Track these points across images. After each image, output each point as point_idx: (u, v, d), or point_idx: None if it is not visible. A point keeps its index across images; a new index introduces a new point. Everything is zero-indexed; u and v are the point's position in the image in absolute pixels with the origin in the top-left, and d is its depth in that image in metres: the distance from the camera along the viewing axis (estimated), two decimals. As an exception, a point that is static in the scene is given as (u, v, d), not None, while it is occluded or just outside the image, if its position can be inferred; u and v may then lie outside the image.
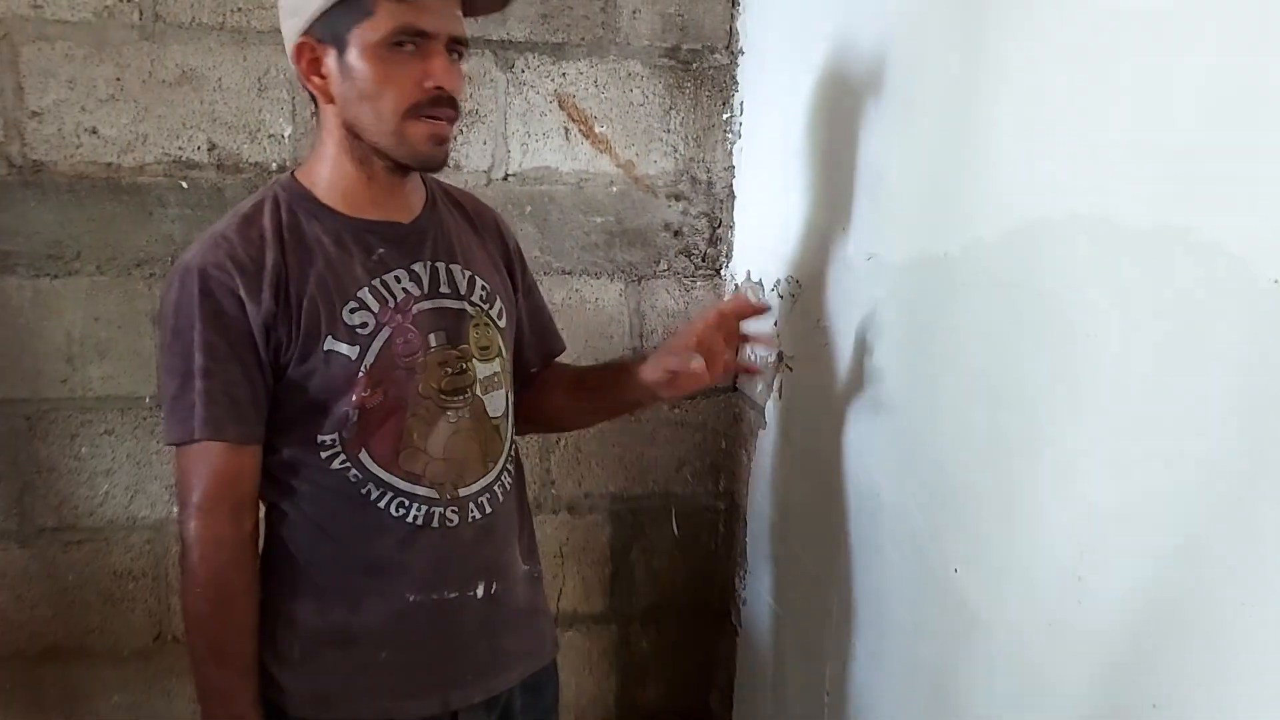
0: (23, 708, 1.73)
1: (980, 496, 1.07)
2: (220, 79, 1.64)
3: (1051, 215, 0.94)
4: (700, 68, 1.80)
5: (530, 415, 1.30)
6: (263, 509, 1.12)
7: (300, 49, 1.03)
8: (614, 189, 1.80)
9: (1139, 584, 0.83)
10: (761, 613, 1.77)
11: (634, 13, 1.75)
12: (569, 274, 1.80)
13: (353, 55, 1.00)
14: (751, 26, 1.76)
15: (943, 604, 1.15)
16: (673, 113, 1.80)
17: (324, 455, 1.05)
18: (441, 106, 1.02)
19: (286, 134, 1.67)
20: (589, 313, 1.83)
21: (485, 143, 1.74)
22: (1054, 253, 0.93)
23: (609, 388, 1.28)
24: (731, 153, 1.83)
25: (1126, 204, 0.83)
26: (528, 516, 1.24)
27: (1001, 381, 1.02)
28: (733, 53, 1.80)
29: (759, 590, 1.79)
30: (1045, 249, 0.95)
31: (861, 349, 1.35)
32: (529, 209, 1.77)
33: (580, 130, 1.77)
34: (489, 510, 1.12)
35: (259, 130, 1.66)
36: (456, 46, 1.04)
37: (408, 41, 0.99)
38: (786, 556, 1.65)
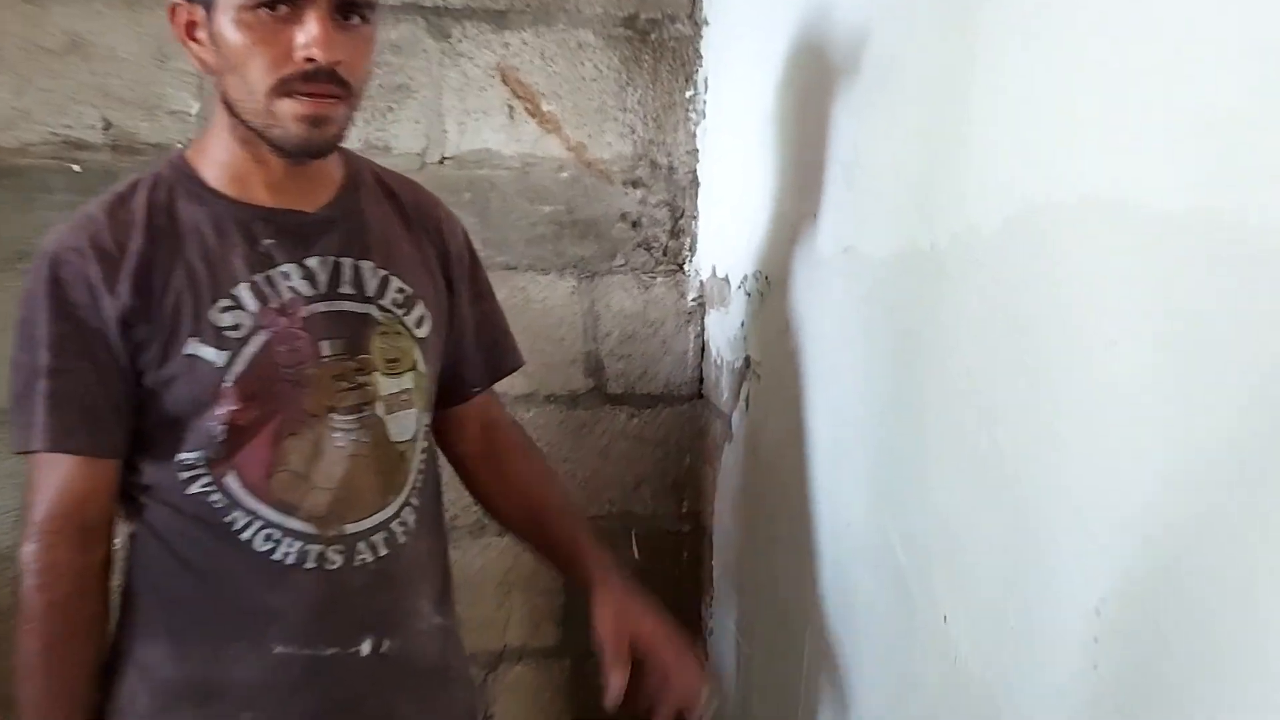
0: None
1: (975, 532, 0.89)
2: (114, 47, 1.46)
3: (1061, 199, 0.77)
4: (660, 39, 1.63)
5: (468, 468, 1.17)
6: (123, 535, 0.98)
7: (174, 10, 0.91)
8: (563, 174, 1.63)
9: (1169, 646, 0.65)
10: (729, 644, 1.60)
11: (585, -24, 1.58)
12: (513, 269, 1.63)
13: (220, 18, 0.87)
14: (716, -6, 1.59)
15: (930, 656, 0.98)
16: (629, 89, 1.63)
17: (185, 476, 0.92)
18: (319, 82, 0.86)
19: (192, 111, 1.50)
20: (535, 314, 1.65)
21: (417, 122, 1.56)
22: (1065, 242, 0.77)
23: (571, 561, 1.14)
24: (695, 134, 1.68)
25: (1155, 184, 0.66)
26: (442, 558, 1.09)
27: (1001, 394, 0.85)
28: (696, 23, 1.64)
29: (726, 621, 1.61)
30: (1053, 238, 0.78)
31: (836, 354, 1.18)
32: (467, 196, 1.60)
33: (525, 108, 1.60)
34: (384, 552, 0.97)
35: (159, 106, 1.49)
36: (354, 9, 0.88)
37: (276, 3, 0.85)
38: (755, 587, 1.48)
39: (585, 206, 1.65)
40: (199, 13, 0.88)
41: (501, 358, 1.16)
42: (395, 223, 1.03)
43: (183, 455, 0.92)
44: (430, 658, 1.03)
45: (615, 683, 1.04)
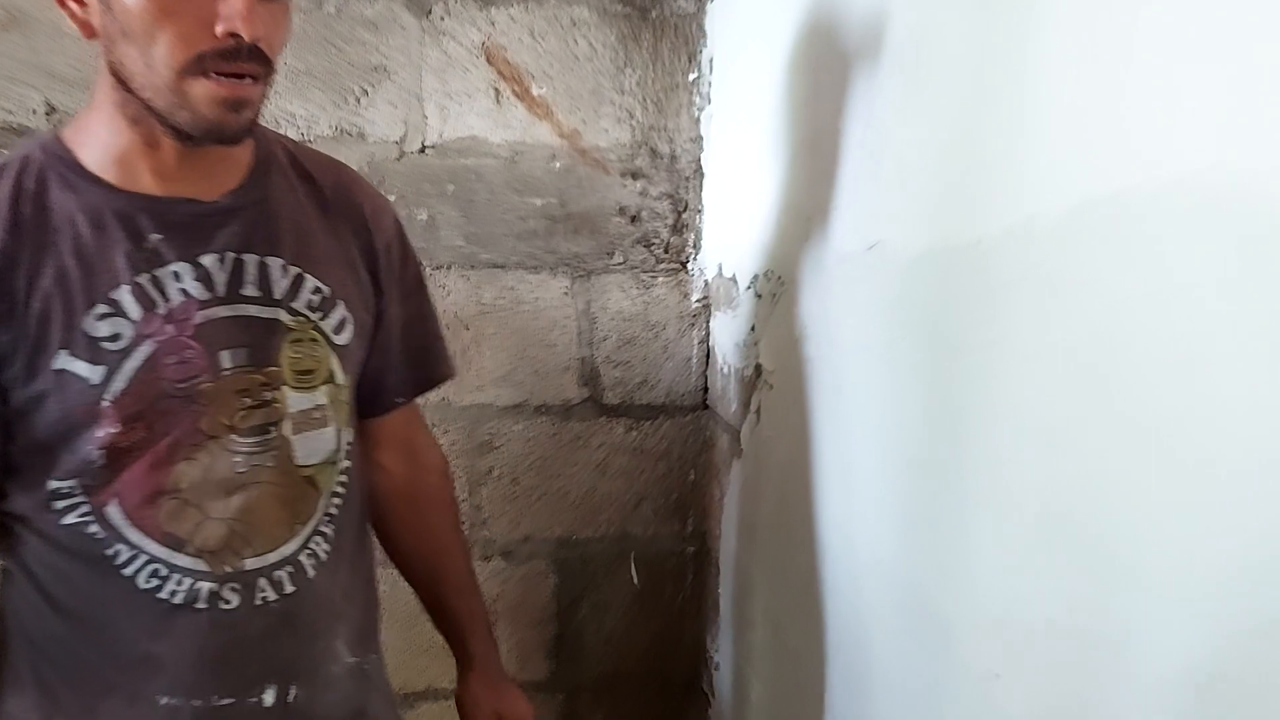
0: None
1: (1033, 579, 0.75)
2: (58, 23, 1.31)
3: (1145, 183, 0.62)
4: (661, 15, 1.49)
5: (379, 503, 1.04)
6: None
7: None
8: (556, 164, 1.49)
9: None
10: (739, 681, 1.45)
11: (579, -54, 1.43)
12: (501, 268, 1.49)
13: None
14: (723, -35, 1.45)
15: (978, 716, 0.83)
16: (627, 70, 1.49)
17: (59, 506, 0.81)
18: (239, 60, 0.75)
19: (143, 93, 1.35)
20: (526, 316, 1.51)
21: (395, 106, 1.42)
22: (1148, 236, 0.62)
23: (441, 625, 1.11)
24: (699, 120, 1.54)
25: (1272, 166, 0.52)
26: (364, 590, 0.98)
27: (1065, 416, 0.70)
28: None
29: (733, 654, 1.47)
30: (1134, 231, 0.63)
31: (861, 363, 1.03)
32: (451, 188, 1.45)
33: (513, 91, 1.45)
34: (290, 589, 0.87)
35: None
36: None
37: None
38: (766, 621, 1.33)
39: (579, 199, 1.51)
40: None
41: (430, 366, 1.04)
42: (312, 211, 0.90)
43: (56, 483, 0.80)
44: (346, 704, 0.93)
45: None
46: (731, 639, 1.50)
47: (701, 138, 1.53)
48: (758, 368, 1.36)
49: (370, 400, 0.98)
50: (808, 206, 1.18)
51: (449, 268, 1.46)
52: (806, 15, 1.18)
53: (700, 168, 1.54)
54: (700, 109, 1.52)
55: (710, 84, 1.51)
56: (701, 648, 1.61)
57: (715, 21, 1.49)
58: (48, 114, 1.34)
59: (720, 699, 1.55)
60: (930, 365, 0.89)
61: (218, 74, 0.74)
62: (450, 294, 1.46)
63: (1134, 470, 0.63)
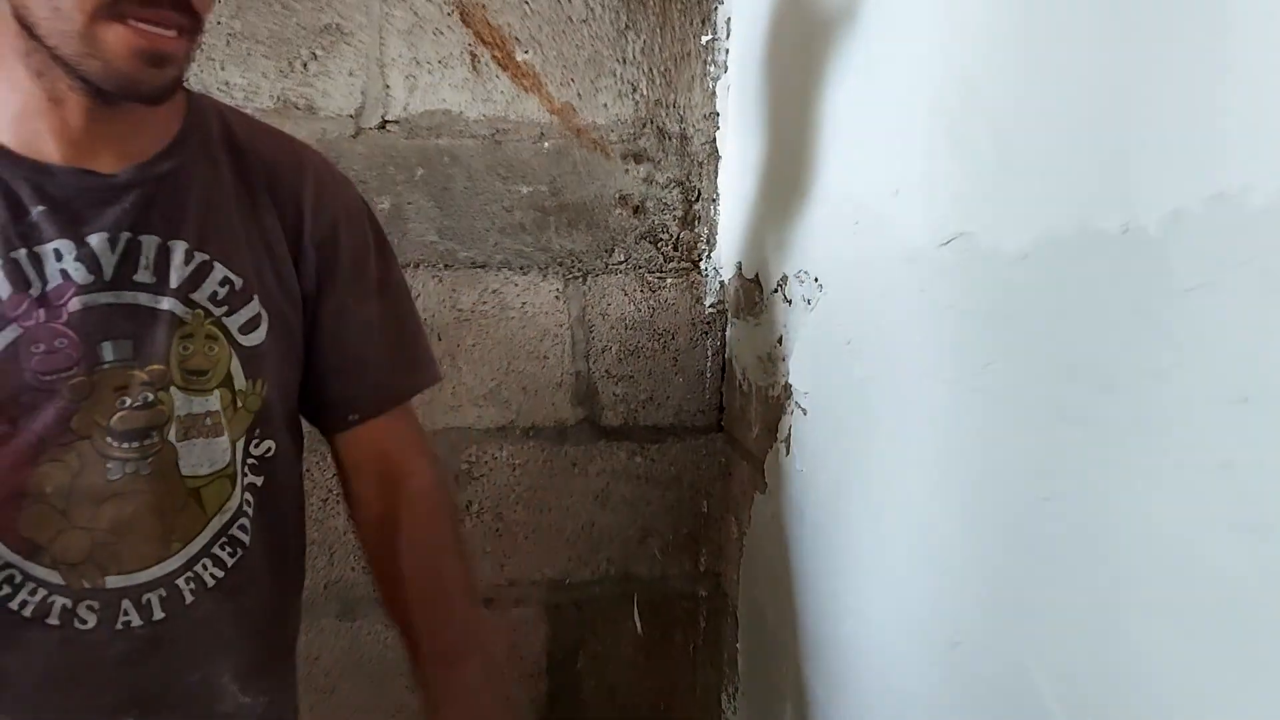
0: None
1: (1203, 686, 0.53)
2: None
3: None
4: (669, -32, 1.29)
5: (357, 524, 0.94)
6: None
7: None
8: (546, 145, 1.31)
9: None
10: (760, 750, 1.25)
11: (572, -116, 1.23)
12: (482, 268, 1.30)
13: None
14: (743, -92, 1.24)
15: None
16: (630, 34, 1.31)
17: None
18: (161, 8, 0.69)
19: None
20: (513, 324, 1.31)
21: (351, 74, 1.22)
22: None
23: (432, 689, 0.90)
24: (714, 93, 1.37)
25: None
26: (270, 622, 0.88)
27: (1260, 456, 0.49)
28: None
29: (754, 715, 1.26)
30: None
31: (937, 387, 0.82)
32: (420, 173, 1.25)
33: (494, 57, 1.26)
34: (159, 615, 0.79)
35: None
36: None
37: None
38: (795, 688, 1.12)
39: (574, 187, 1.34)
40: None
41: (401, 374, 0.93)
42: (233, 189, 0.82)
43: None
44: None
45: None
46: (751, 701, 1.29)
47: (717, 114, 1.35)
48: (787, 387, 1.15)
49: (325, 416, 0.91)
50: (859, 191, 0.97)
51: (418, 267, 1.27)
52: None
53: (715, 149, 1.36)
54: (715, 80, 1.34)
55: (728, 50, 1.32)
56: (717, 706, 1.40)
57: (733, -24, 1.28)
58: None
59: (738, 768, 1.35)
60: (1045, 401, 0.68)
61: (136, 20, 0.68)
62: (420, 298, 1.26)
63: None
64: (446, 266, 1.27)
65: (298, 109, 1.19)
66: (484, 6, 1.23)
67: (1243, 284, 0.52)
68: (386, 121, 1.23)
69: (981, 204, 0.76)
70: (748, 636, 1.33)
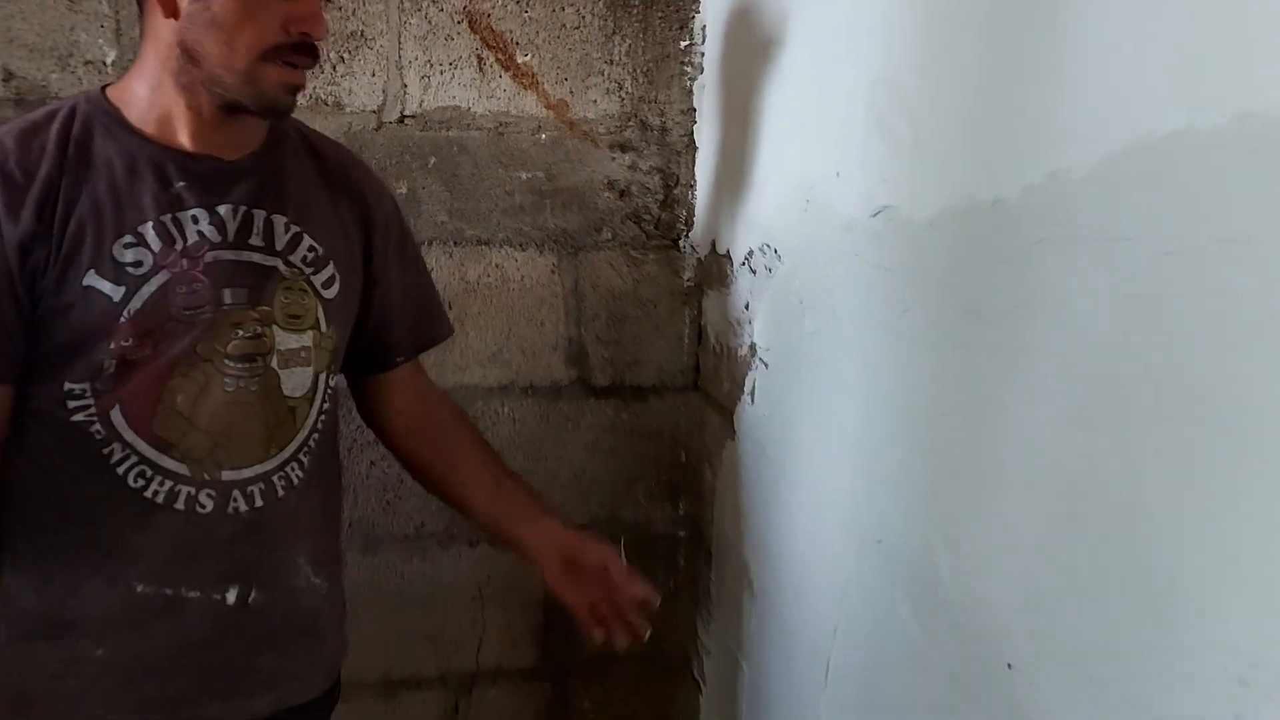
0: None
1: (1058, 566, 0.71)
2: (15, -15, 1.25)
3: (1198, 123, 0.58)
4: (651, -19, 1.43)
5: (401, 441, 1.16)
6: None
7: None
8: (543, 136, 1.45)
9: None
10: (729, 668, 1.42)
11: (565, -92, 1.38)
12: (486, 244, 1.45)
13: None
14: (716, -71, 1.40)
15: (988, 708, 0.80)
16: (616, 38, 1.45)
17: (70, 405, 0.91)
18: (302, 54, 0.93)
19: (109, 60, 1.30)
20: (513, 294, 1.47)
21: (373, 74, 1.36)
22: (1199, 184, 0.58)
23: (514, 506, 1.13)
24: (691, 91, 1.49)
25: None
26: (331, 521, 1.08)
27: (1103, 395, 0.66)
28: None
29: (727, 642, 1.43)
30: (1183, 179, 0.59)
31: (867, 338, 0.99)
32: (433, 161, 1.40)
33: (498, 60, 1.40)
34: (259, 504, 0.97)
35: (71, 55, 1.30)
36: None
37: None
38: (762, 607, 1.30)
39: (567, 173, 1.47)
40: None
41: (429, 327, 1.16)
42: (315, 182, 1.03)
43: (70, 384, 0.90)
44: (301, 613, 1.02)
45: (598, 638, 1.11)
46: (724, 625, 1.46)
47: (693, 109, 1.49)
48: (752, 346, 1.32)
49: (376, 358, 1.11)
50: (809, 174, 1.14)
51: (431, 243, 1.41)
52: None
53: (692, 140, 1.50)
54: (692, 79, 1.48)
55: (703, 53, 1.46)
56: (693, 634, 1.57)
57: (708, -13, 1.44)
58: (4, 80, 1.27)
59: (711, 686, 1.52)
60: (944, 333, 0.86)
61: (286, 63, 0.90)
62: (433, 271, 1.39)
63: (1174, 448, 0.60)
64: (456, 243, 1.42)
65: (327, 105, 1.35)
66: (489, 15, 1.39)
67: (1066, 236, 0.70)
68: (404, 116, 1.38)
69: (901, 182, 0.93)
70: (719, 570, 1.49)
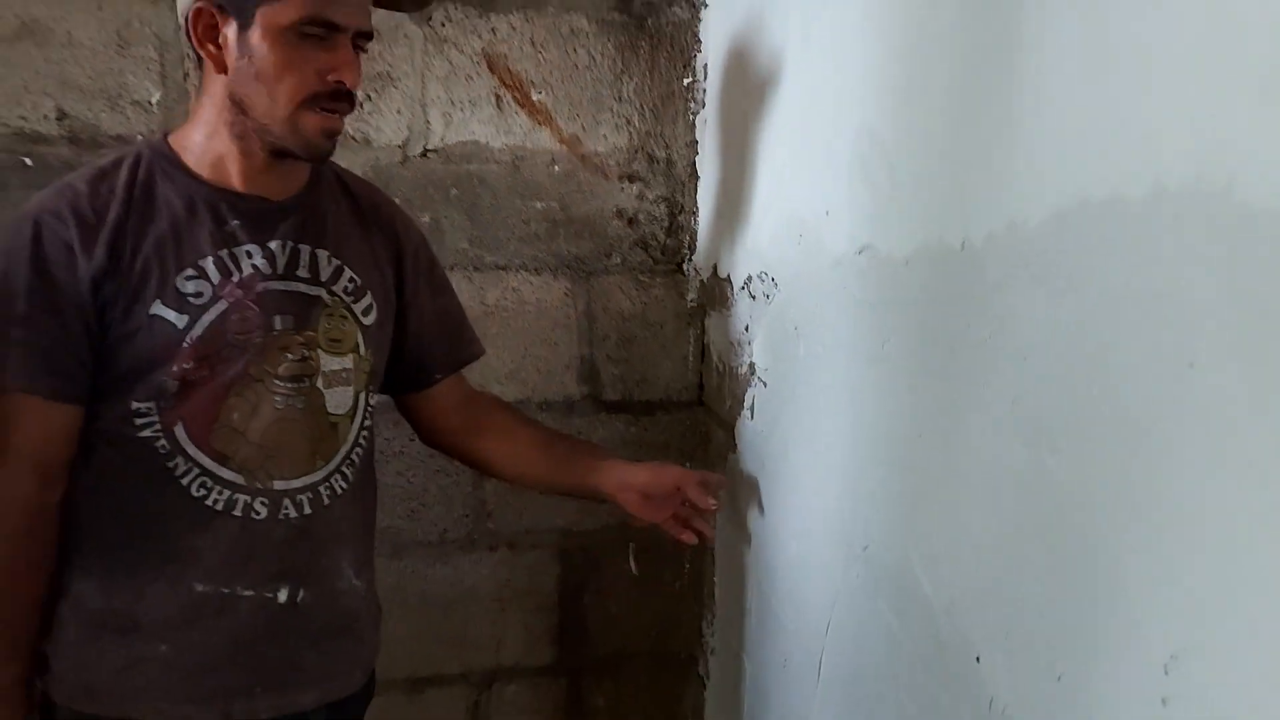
0: None
1: (1017, 567, 0.81)
2: (70, 32, 1.36)
3: (1126, 191, 0.67)
4: (657, 24, 1.54)
5: (462, 444, 1.27)
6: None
7: (198, 14, 0.99)
8: (556, 169, 1.55)
9: (1257, 714, 0.58)
10: (732, 665, 1.51)
11: (577, -43, 1.48)
12: (504, 270, 1.54)
13: (256, 34, 0.97)
14: (717, -25, 1.50)
15: (959, 698, 0.89)
16: (625, 78, 1.54)
17: (137, 422, 1.00)
18: (339, 100, 1.00)
19: (154, 100, 1.40)
20: (529, 316, 1.56)
21: (399, 112, 1.47)
22: (1129, 242, 0.67)
23: (575, 465, 1.26)
24: (694, 125, 1.59)
25: (1251, 174, 0.57)
26: (368, 530, 1.17)
27: (1052, 416, 0.76)
28: (694, 5, 1.56)
29: (729, 639, 1.53)
30: (1115, 237, 0.69)
31: (853, 362, 1.09)
32: (454, 192, 1.50)
33: (514, 98, 1.50)
34: (308, 511, 1.06)
35: (120, 96, 1.39)
36: (361, 40, 1.02)
37: (315, 30, 0.97)
38: (761, 608, 1.39)
39: (580, 203, 1.57)
40: (229, 23, 0.97)
41: (462, 347, 1.25)
42: (350, 220, 1.12)
43: (136, 404, 0.99)
44: (343, 613, 1.10)
45: (688, 540, 1.29)
46: (726, 625, 1.56)
47: (696, 142, 1.58)
48: (751, 365, 1.41)
49: (418, 377, 1.21)
50: (801, 210, 1.23)
51: (452, 269, 1.50)
52: (798, 25, 1.23)
53: (695, 171, 1.59)
54: (695, 114, 1.57)
55: (705, 90, 1.56)
56: (698, 633, 1.67)
57: (709, 30, 1.53)
58: (59, 119, 1.37)
59: (715, 682, 1.61)
60: (919, 363, 0.95)
61: (324, 110, 0.99)
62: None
63: (1118, 464, 0.69)
64: (476, 269, 1.52)
65: (356, 141, 1.45)
66: (506, 56, 1.49)
67: (1022, 279, 0.79)
68: (427, 151, 1.47)
69: (881, 223, 1.03)
70: (722, 574, 1.59)
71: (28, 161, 1.36)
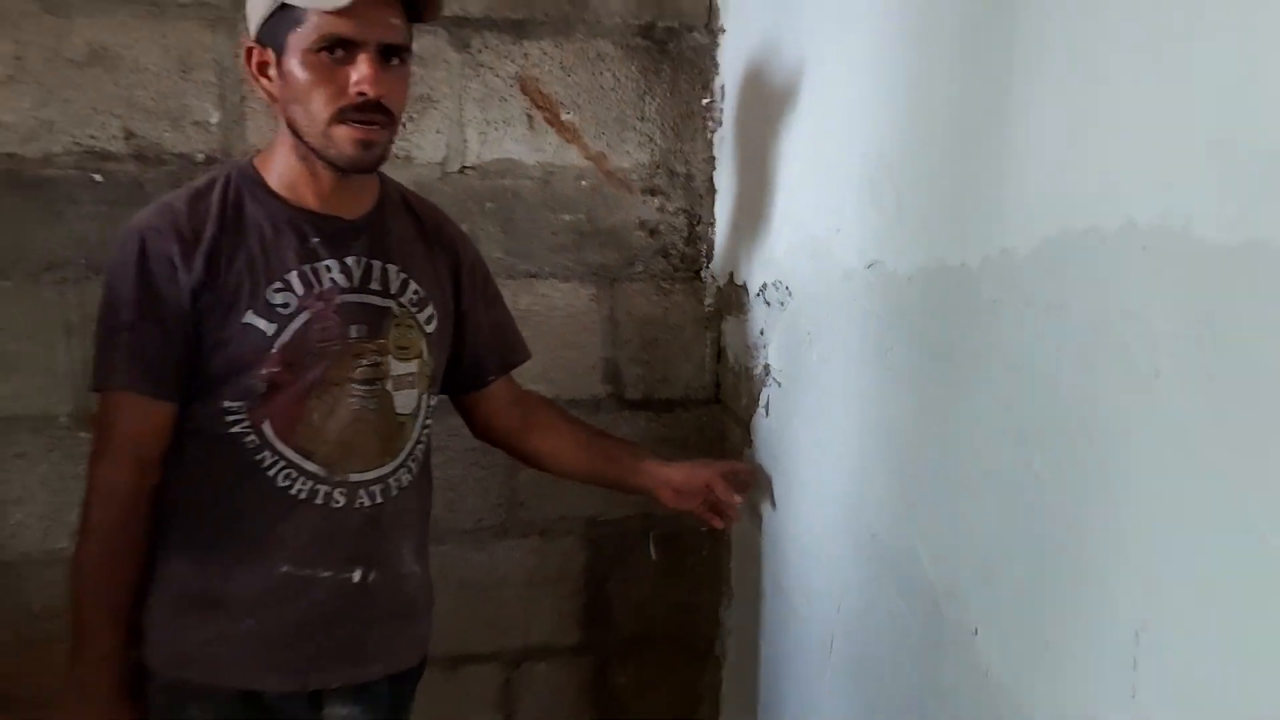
0: (-70, 764, 1.57)
1: (1007, 551, 0.92)
2: (137, 59, 1.47)
3: (1102, 225, 0.78)
4: (677, 48, 1.65)
5: (512, 441, 1.37)
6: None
7: (249, 52, 1.10)
8: (583, 183, 1.65)
9: (1209, 673, 0.68)
10: (748, 646, 1.62)
11: (603, -14, 1.59)
12: (535, 277, 1.66)
13: (289, 60, 1.06)
14: (733, 1, 1.60)
15: (959, 668, 1.00)
16: (648, 98, 1.65)
17: (228, 419, 1.10)
18: (368, 112, 1.05)
19: (214, 121, 1.51)
20: (558, 320, 1.67)
21: (439, 131, 1.57)
22: (1105, 269, 0.78)
23: (616, 463, 1.38)
24: (712, 142, 1.69)
25: (1206, 215, 0.68)
26: (426, 519, 1.27)
27: (1038, 421, 0.87)
28: (713, 31, 1.65)
29: (745, 622, 1.64)
30: (1091, 265, 0.79)
31: (862, 367, 1.19)
32: (489, 205, 1.61)
33: (545, 118, 1.61)
34: (379, 500, 1.16)
35: (183, 117, 1.50)
36: (396, 52, 1.08)
37: (335, 48, 1.04)
38: (775, 592, 1.50)
39: (605, 215, 1.67)
40: (270, 55, 1.07)
41: (512, 352, 1.36)
42: (414, 236, 1.22)
43: (228, 403, 1.09)
44: (404, 595, 1.21)
45: (717, 525, 1.44)
46: (743, 609, 1.67)
47: (714, 158, 1.68)
48: (766, 367, 1.52)
49: (470, 380, 1.31)
50: (813, 224, 1.34)
51: (489, 277, 1.61)
52: (811, 50, 1.33)
53: (713, 185, 1.69)
54: (713, 132, 1.67)
55: (722, 110, 1.65)
56: (716, 616, 1.78)
57: (727, 53, 1.63)
58: (126, 138, 1.48)
59: (732, 662, 1.73)
60: (921, 370, 1.06)
61: (354, 122, 1.05)
62: None
63: (1094, 462, 0.79)
64: (509, 277, 1.61)
65: (398, 158, 1.54)
66: (538, 79, 1.59)
67: (1014, 299, 0.90)
68: (465, 167, 1.57)
69: (888, 242, 1.13)
70: (739, 560, 1.70)
71: (97, 178, 1.47)
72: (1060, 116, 0.83)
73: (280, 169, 1.12)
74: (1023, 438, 0.88)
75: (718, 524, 1.44)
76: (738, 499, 1.38)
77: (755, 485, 1.56)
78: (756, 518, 1.56)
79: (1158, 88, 0.72)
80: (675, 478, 1.37)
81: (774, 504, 1.49)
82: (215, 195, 1.10)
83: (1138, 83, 0.74)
